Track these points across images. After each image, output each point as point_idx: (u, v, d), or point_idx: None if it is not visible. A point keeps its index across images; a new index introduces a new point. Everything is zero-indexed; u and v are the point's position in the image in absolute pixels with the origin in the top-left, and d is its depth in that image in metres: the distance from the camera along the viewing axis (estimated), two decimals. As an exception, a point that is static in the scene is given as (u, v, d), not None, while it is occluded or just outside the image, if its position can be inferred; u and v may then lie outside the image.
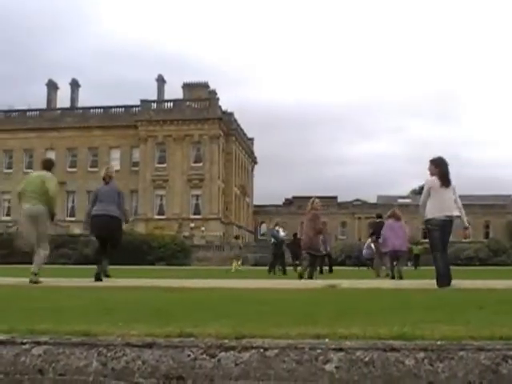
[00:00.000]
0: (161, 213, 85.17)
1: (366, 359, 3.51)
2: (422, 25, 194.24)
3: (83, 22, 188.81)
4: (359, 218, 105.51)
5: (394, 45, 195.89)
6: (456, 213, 12.20)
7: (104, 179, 14.47)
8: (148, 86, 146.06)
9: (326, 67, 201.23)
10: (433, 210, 12.01)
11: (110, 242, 14.39)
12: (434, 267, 12.79)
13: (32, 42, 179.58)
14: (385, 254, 20.29)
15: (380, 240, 20.55)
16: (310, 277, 17.76)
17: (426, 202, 12.16)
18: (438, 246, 12.50)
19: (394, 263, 19.63)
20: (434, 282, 12.20)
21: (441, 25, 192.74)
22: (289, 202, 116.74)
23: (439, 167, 12.09)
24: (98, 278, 13.80)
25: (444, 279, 11.97)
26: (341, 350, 3.54)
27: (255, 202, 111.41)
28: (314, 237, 18.06)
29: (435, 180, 12.03)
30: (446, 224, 12.09)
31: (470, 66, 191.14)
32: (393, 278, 18.86)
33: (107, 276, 15.26)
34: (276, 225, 31.19)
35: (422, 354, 3.63)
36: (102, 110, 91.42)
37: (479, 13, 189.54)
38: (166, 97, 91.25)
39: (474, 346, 3.81)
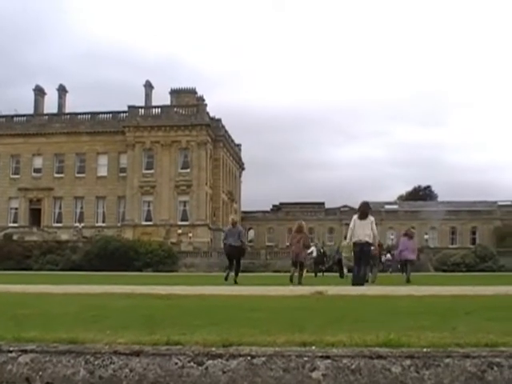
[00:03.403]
0: (148, 219, 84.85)
1: (353, 367, 3.52)
2: (406, 27, 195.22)
3: (67, 25, 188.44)
4: (346, 224, 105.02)
5: (379, 47, 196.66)
6: (366, 238, 17.56)
7: (232, 224, 23.36)
8: (134, 91, 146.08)
9: (312, 71, 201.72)
10: (354, 236, 17.80)
11: (236, 261, 22.43)
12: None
13: (14, 45, 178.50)
14: (398, 262, 26.56)
15: (396, 252, 26.74)
16: (299, 281, 21.23)
17: (352, 230, 17.95)
18: (356, 258, 18.17)
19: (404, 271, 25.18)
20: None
21: (426, 27, 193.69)
22: (276, 209, 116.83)
23: (359, 208, 18.57)
24: (226, 279, 21.35)
25: (357, 280, 17.51)
26: (327, 357, 3.55)
27: (243, 208, 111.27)
28: (303, 250, 22.70)
29: (356, 216, 18.15)
30: (363, 245, 17.58)
31: (456, 68, 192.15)
32: (407, 280, 23.27)
33: (236, 283, 20.59)
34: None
35: (408, 362, 3.65)
36: (89, 115, 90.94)
37: (464, 15, 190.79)
38: (154, 102, 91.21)
39: (459, 353, 3.83)
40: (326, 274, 39.26)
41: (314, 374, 3.47)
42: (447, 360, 3.73)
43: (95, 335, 4.06)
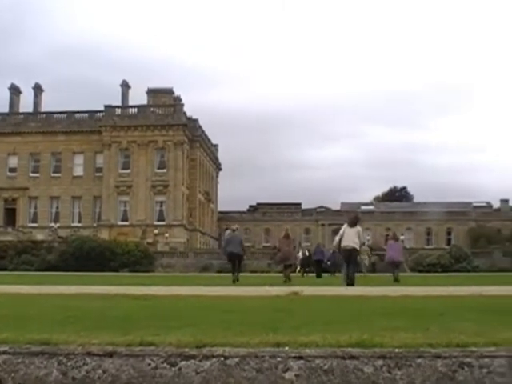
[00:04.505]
0: (124, 219, 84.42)
1: (326, 367, 3.55)
2: (380, 28, 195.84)
3: (43, 23, 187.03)
4: (323, 225, 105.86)
5: (354, 49, 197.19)
6: (354, 245, 19.48)
7: (233, 230, 26.77)
8: (111, 90, 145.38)
9: (288, 72, 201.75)
10: (343, 241, 19.62)
11: (238, 263, 25.74)
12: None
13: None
14: (388, 263, 28.25)
15: (387, 254, 28.21)
16: (288, 279, 24.77)
17: (341, 235, 19.70)
18: (345, 262, 20.29)
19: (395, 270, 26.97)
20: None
21: (400, 27, 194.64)
22: (253, 209, 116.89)
23: (350, 218, 21.03)
24: (234, 281, 23.55)
25: (349, 280, 19.16)
26: (300, 358, 3.57)
27: (219, 209, 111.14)
28: (290, 253, 26.86)
29: (346, 224, 20.17)
30: (351, 250, 19.53)
31: (430, 69, 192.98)
32: (394, 280, 25.37)
33: (238, 280, 23.96)
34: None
35: (380, 362, 3.68)
36: (65, 114, 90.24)
37: (442, 16, 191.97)
38: (131, 102, 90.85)
39: (431, 353, 3.87)
40: (311, 274, 40.18)
41: (287, 375, 3.49)
42: (419, 360, 3.77)
43: (69, 336, 4.05)
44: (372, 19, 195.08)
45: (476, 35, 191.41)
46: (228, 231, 27.75)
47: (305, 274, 40.80)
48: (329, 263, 41.72)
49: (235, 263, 25.51)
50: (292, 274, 34.09)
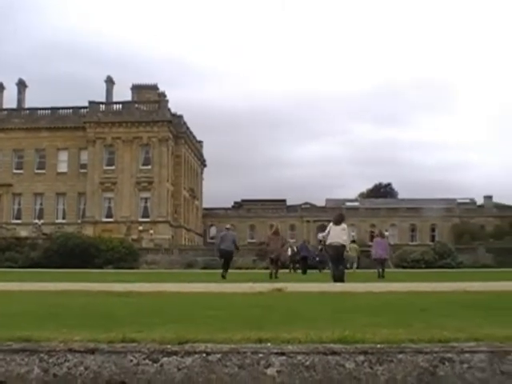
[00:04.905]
0: (109, 216, 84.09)
1: (307, 363, 3.56)
2: (364, 25, 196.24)
3: (27, 19, 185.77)
4: (308, 222, 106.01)
5: (339, 45, 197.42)
6: (341, 241, 19.74)
7: (227, 229, 27.44)
8: (96, 86, 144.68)
9: (272, 69, 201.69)
10: (330, 238, 19.90)
11: (229, 261, 26.18)
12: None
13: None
14: (374, 260, 28.77)
15: (373, 251, 29.24)
16: (276, 276, 25.49)
17: (328, 233, 20.05)
18: (333, 258, 20.71)
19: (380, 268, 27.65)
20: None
21: (386, 25, 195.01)
22: (238, 206, 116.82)
23: (335, 216, 21.04)
24: (223, 277, 24.06)
25: (335, 278, 19.37)
26: (282, 354, 3.58)
27: (204, 205, 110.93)
28: (281, 249, 27.80)
29: (332, 222, 20.42)
30: (337, 247, 19.78)
31: (415, 66, 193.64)
32: (379, 276, 26.19)
33: (224, 277, 24.14)
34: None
35: (361, 357, 3.69)
36: (49, 111, 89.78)
37: (426, 10, 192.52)
38: (115, 98, 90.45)
39: (412, 348, 3.89)
40: (299, 270, 40.54)
41: (269, 371, 3.49)
42: (400, 356, 3.79)
43: (51, 333, 4.04)
44: (358, 17, 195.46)
45: (462, 33, 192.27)
46: (223, 232, 28.08)
47: (292, 271, 41.39)
48: (317, 259, 42.03)
49: (226, 260, 26.07)
50: (283, 271, 34.86)
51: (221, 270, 26.91)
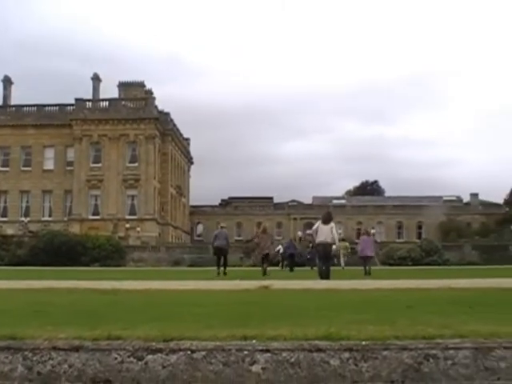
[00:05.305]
0: (96, 213, 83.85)
1: (292, 360, 3.56)
2: (353, 22, 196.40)
3: (12, 15, 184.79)
4: (295, 219, 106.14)
5: (326, 42, 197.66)
6: (329, 240, 20.28)
7: (221, 227, 28.86)
8: (82, 83, 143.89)
9: (258, 66, 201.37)
10: (318, 237, 20.39)
11: (224, 258, 27.15)
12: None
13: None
14: (360, 258, 29.53)
15: (359, 249, 29.98)
16: (265, 273, 26.12)
17: (315, 232, 20.62)
18: (320, 256, 21.28)
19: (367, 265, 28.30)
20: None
21: (373, 20, 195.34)
22: (225, 203, 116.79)
23: (323, 215, 21.44)
24: (218, 274, 25.38)
25: (322, 275, 19.93)
26: (267, 351, 3.58)
27: (191, 203, 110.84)
28: (270, 245, 29.17)
29: (320, 221, 20.89)
30: (325, 245, 20.30)
31: (400, 64, 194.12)
32: (365, 273, 26.59)
33: (225, 274, 25.56)
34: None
35: (346, 354, 3.70)
36: (35, 108, 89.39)
37: (414, 6, 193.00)
38: (102, 96, 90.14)
39: (397, 345, 3.91)
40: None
41: (254, 368, 3.50)
42: (385, 352, 3.80)
43: (35, 331, 4.02)
44: (347, 15, 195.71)
45: (449, 29, 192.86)
46: (218, 230, 29.37)
47: (285, 268, 41.69)
48: (308, 257, 42.63)
49: (221, 257, 27.20)
50: (274, 268, 35.15)
51: (213, 268, 27.27)
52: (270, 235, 30.47)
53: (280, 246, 45.36)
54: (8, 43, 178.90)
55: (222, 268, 26.68)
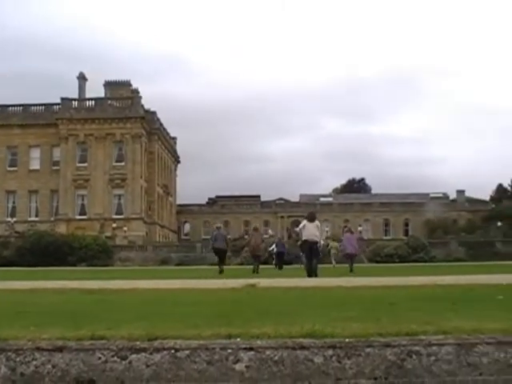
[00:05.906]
0: (82, 213, 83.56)
1: (276, 358, 3.58)
2: (337, 20, 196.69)
3: None
4: (282, 217, 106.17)
5: (310, 40, 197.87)
6: (315, 238, 20.74)
7: (217, 228, 29.62)
8: (68, 83, 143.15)
9: (243, 64, 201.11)
10: (304, 235, 20.76)
11: (223, 258, 28.48)
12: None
13: None
14: (344, 256, 30.71)
15: (341, 247, 31.20)
16: (257, 271, 27.54)
17: (301, 230, 21.07)
18: (307, 254, 21.45)
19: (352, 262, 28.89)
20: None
21: (358, 19, 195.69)
22: (212, 202, 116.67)
23: (308, 215, 21.67)
24: (220, 272, 26.02)
25: (309, 272, 20.26)
26: (251, 349, 3.59)
27: (178, 202, 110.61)
28: (260, 245, 30.30)
29: (305, 219, 21.25)
30: (312, 242, 20.65)
31: (387, 61, 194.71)
32: (351, 270, 26.99)
33: (222, 272, 26.17)
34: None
35: (330, 352, 3.72)
36: (21, 107, 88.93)
37: (402, 4, 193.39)
38: (88, 95, 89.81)
39: (381, 342, 3.93)
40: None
41: (238, 366, 3.51)
42: (368, 349, 3.82)
43: (18, 332, 4.01)
44: (332, 13, 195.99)
45: (431, 26, 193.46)
46: (216, 231, 30.05)
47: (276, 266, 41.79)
48: (301, 254, 42.59)
49: (221, 257, 28.57)
50: (267, 266, 35.49)
51: (201, 267, 27.57)
52: (260, 233, 31.68)
53: (274, 246, 44.72)
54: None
55: (223, 266, 27.71)
